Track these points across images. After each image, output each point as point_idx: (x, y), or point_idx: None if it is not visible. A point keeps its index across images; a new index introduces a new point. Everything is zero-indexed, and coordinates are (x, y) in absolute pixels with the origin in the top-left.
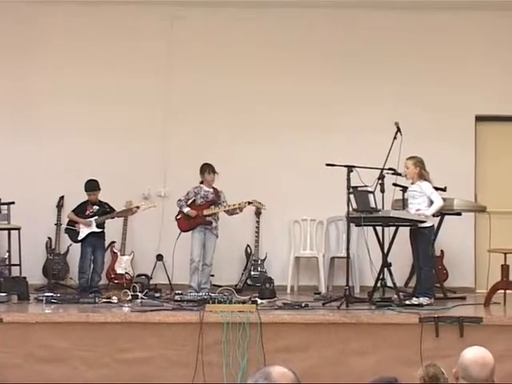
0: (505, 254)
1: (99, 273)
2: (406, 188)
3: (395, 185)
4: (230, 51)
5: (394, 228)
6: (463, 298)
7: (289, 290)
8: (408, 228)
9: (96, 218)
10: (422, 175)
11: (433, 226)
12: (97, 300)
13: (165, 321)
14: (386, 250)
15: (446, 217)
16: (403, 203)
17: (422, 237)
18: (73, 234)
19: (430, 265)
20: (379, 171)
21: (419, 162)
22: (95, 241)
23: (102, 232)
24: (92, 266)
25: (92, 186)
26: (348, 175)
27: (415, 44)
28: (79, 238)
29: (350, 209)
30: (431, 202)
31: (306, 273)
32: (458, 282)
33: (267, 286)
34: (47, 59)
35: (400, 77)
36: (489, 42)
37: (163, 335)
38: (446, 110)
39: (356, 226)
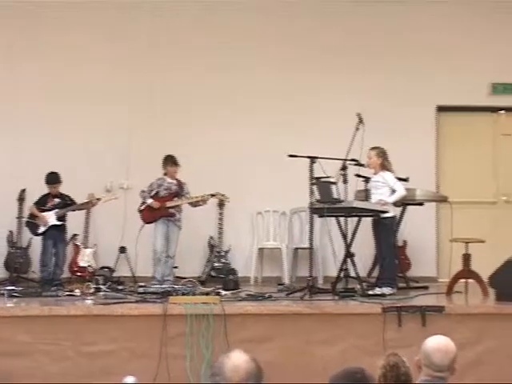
0: (466, 243)
1: (61, 266)
2: (369, 178)
3: (358, 175)
4: (190, 45)
5: (356, 218)
6: (425, 288)
7: (252, 282)
8: (371, 218)
9: (57, 210)
10: (385, 166)
11: (395, 216)
12: (59, 293)
13: (128, 313)
14: (348, 241)
15: (409, 207)
16: (366, 194)
17: (385, 227)
18: (33, 227)
19: (393, 255)
20: (342, 162)
21: (382, 153)
22: (56, 234)
23: (63, 225)
24: (54, 259)
25: (53, 178)
26: (311, 166)
27: (377, 35)
28: (39, 232)
29: (313, 200)
30: (393, 192)
31: (270, 264)
32: (421, 271)
33: (231, 277)
34: (4, 55)
35: (362, 67)
36: (451, 32)
37: (126, 328)
38: (407, 100)
39: (319, 216)
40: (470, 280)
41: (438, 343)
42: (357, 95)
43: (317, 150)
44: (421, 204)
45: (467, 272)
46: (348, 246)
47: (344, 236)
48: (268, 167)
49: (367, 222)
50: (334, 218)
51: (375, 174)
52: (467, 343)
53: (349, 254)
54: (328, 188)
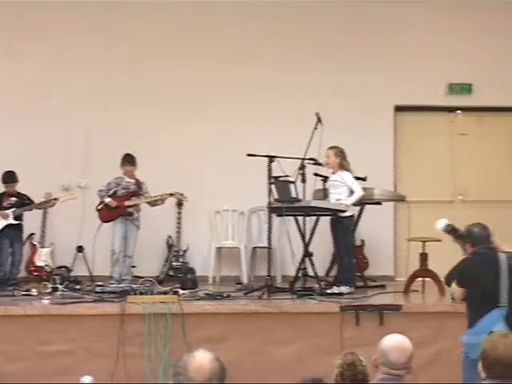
0: (423, 242)
1: (17, 265)
2: (327, 178)
3: (316, 175)
4: (148, 41)
5: (315, 218)
6: (383, 287)
7: (211, 281)
8: (329, 218)
9: (14, 209)
10: (343, 165)
11: (353, 215)
12: (15, 293)
13: (86, 313)
14: (307, 240)
15: (367, 206)
16: (324, 193)
17: (343, 226)
18: None
19: (351, 254)
20: (300, 161)
21: (340, 152)
22: (12, 233)
23: (20, 224)
24: (10, 258)
25: (9, 177)
26: (269, 165)
27: (336, 34)
28: None
29: (272, 199)
30: (351, 192)
31: (228, 263)
32: (378, 270)
33: (189, 276)
34: None
35: (321, 66)
36: (409, 32)
37: (84, 327)
38: (366, 100)
39: (277, 216)
40: (427, 279)
41: (394, 341)
42: (315, 94)
43: (276, 148)
44: (379, 203)
45: (424, 271)
46: (306, 245)
47: (302, 235)
48: (227, 166)
49: (325, 221)
50: (292, 218)
51: (333, 173)
52: (424, 342)
53: (307, 254)
54: (286, 187)
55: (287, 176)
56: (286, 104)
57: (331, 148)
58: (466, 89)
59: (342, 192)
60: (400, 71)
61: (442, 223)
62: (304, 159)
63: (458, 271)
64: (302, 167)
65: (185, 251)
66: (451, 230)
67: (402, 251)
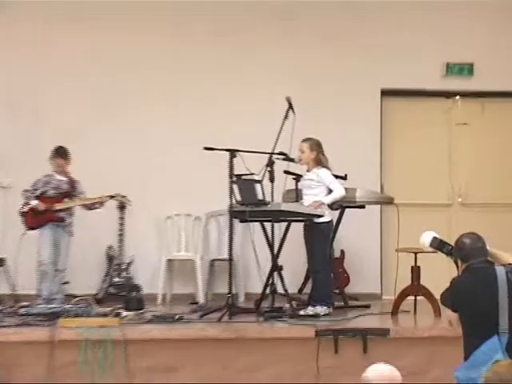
0: (415, 253)
1: None
2: (301, 176)
3: (287, 172)
4: (78, 27)
5: (285, 224)
6: (367, 307)
7: (160, 300)
8: (302, 224)
9: None
10: (320, 161)
11: (331, 221)
12: None
13: (7, 340)
14: (275, 251)
15: (347, 210)
16: (297, 194)
17: (319, 234)
18: None
19: (328, 267)
20: (268, 157)
21: (316, 145)
22: None
23: None
24: None
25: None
26: (230, 161)
27: (312, 13)
28: None
29: (233, 201)
30: (330, 192)
31: (181, 279)
32: (362, 287)
33: (134, 295)
34: None
35: (294, 47)
36: (395, 11)
37: (6, 356)
38: (346, 83)
39: (240, 221)
40: (420, 297)
41: (381, 373)
42: (287, 78)
43: (238, 142)
44: (362, 207)
45: (416, 287)
46: (275, 256)
47: (270, 245)
48: (179, 163)
49: (298, 228)
50: (258, 224)
51: (308, 170)
52: (415, 372)
53: (276, 267)
54: (251, 187)
55: (252, 174)
56: (253, 89)
57: (305, 140)
58: (467, 69)
59: (319, 193)
60: (387, 49)
61: (427, 237)
62: (272, 154)
63: (449, 292)
64: (271, 163)
65: (128, 264)
66: (439, 245)
67: (390, 264)
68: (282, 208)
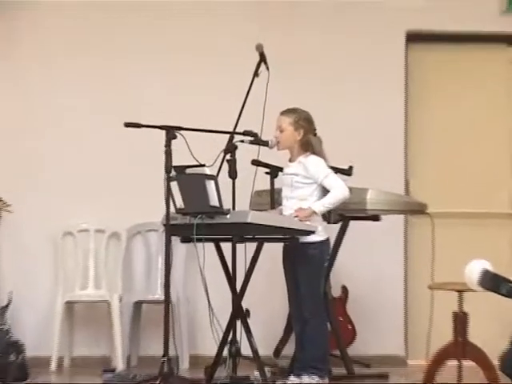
0: (459, 292)
1: None
2: (279, 169)
3: (257, 163)
4: None
5: (254, 245)
6: (384, 377)
7: (54, 366)
8: (281, 245)
9: None
10: (309, 144)
11: (327, 240)
12: None
13: None
14: (239, 287)
15: (353, 224)
16: (272, 198)
17: (308, 261)
18: None
19: (322, 314)
20: (228, 139)
21: (304, 120)
22: None
23: None
24: None
25: None
26: (167, 145)
27: None
28: None
29: (172, 210)
30: (326, 193)
31: (88, 332)
32: (375, 345)
33: (11, 358)
34: None
35: None
36: None
37: None
38: (356, 24)
39: (183, 241)
40: (467, 362)
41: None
42: (252, 22)
43: (180, 116)
44: (375, 218)
45: (461, 347)
46: (238, 296)
47: (230, 278)
48: (88, 151)
49: (275, 250)
50: (211, 245)
51: (291, 160)
52: None
53: (239, 312)
54: (200, 187)
55: (202, 166)
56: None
57: (287, 112)
58: None
59: (309, 196)
60: None
61: (476, 270)
62: (233, 134)
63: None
64: (231, 149)
65: (3, 309)
66: (494, 282)
67: (420, 309)
68: (249, 220)
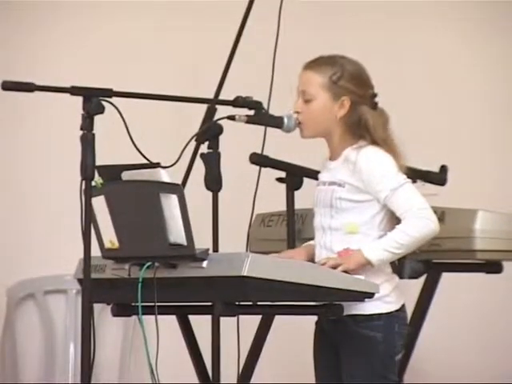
0: None
1: None
2: (305, 173)
3: (258, 162)
4: None
5: (258, 318)
6: None
7: None
8: (312, 319)
9: None
10: (363, 127)
11: (400, 310)
12: None
13: None
14: None
15: (446, 276)
16: (290, 227)
17: (363, 351)
18: None
19: None
20: (206, 111)
21: (351, 79)
22: None
23: None
24: None
25: None
26: (86, 126)
27: None
28: None
29: (96, 251)
30: (393, 222)
31: None
32: None
33: None
34: None
35: None
36: None
37: None
38: None
39: (116, 314)
40: None
41: None
42: None
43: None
44: (493, 267)
45: None
46: None
47: (204, 376)
48: None
49: (296, 327)
50: (173, 318)
51: (331, 157)
52: None
53: None
54: (151, 207)
55: (154, 166)
56: None
57: (317, 64)
58: None
59: (362, 223)
60: None
61: None
62: (215, 104)
63: None
64: (211, 134)
65: None
66: None
67: None
68: (247, 271)
